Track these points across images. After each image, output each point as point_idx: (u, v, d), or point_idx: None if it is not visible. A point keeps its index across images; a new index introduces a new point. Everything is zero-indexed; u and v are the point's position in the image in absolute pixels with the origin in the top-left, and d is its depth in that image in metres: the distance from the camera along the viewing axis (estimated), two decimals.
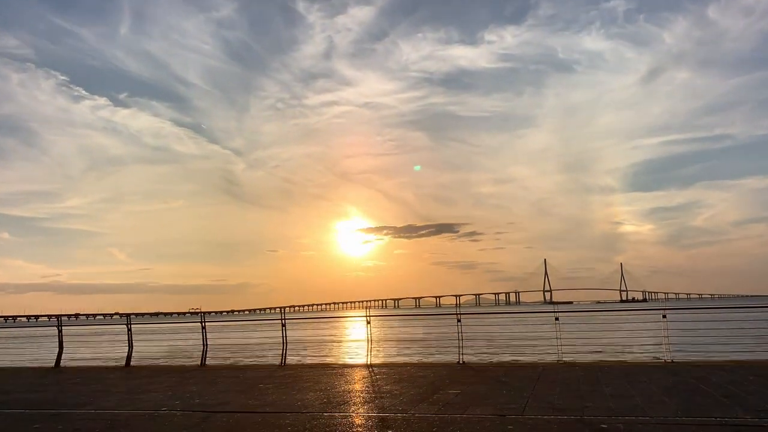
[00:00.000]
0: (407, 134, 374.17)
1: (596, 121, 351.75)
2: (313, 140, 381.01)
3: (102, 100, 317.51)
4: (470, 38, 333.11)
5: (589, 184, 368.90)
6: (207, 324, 15.75)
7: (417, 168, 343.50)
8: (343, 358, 16.50)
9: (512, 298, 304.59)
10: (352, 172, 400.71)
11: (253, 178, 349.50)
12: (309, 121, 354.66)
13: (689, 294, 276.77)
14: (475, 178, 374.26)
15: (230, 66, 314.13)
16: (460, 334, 13.85)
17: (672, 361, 12.45)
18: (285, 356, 14.70)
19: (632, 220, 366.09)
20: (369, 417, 7.85)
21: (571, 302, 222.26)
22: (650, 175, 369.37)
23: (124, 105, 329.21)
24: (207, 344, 15.49)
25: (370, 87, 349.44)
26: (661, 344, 12.93)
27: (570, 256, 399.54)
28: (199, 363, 15.17)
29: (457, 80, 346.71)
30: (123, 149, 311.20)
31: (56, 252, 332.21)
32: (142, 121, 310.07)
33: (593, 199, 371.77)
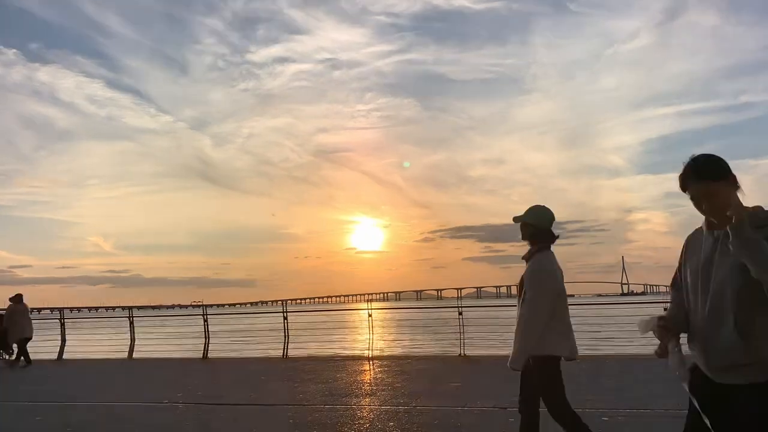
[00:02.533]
0: (382, 100, 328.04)
1: (598, 84, 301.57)
2: (275, 109, 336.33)
3: (11, 53, 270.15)
4: None
5: (595, 165, 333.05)
6: (209, 317, 15.78)
7: (406, 165, 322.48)
8: (345, 350, 16.53)
9: (513, 291, 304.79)
10: (329, 150, 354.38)
11: (225, 159, 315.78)
12: (262, 85, 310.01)
13: None
14: (464, 158, 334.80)
15: (152, 3, 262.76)
16: (461, 327, 13.87)
17: None
18: (287, 349, 14.74)
19: (641, 209, 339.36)
20: (370, 409, 7.87)
21: (572, 295, 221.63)
22: (661, 155, 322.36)
23: (41, 60, 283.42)
24: (209, 337, 15.52)
25: (328, 36, 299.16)
26: None
27: (572, 247, 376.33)
28: (201, 355, 15.21)
29: (429, 26, 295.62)
30: (68, 121, 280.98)
31: (35, 242, 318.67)
32: (69, 82, 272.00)
33: (600, 184, 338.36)
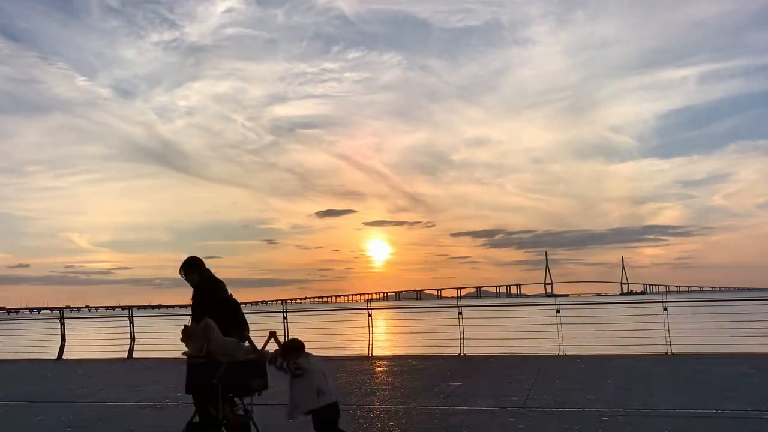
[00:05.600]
0: (354, 55, 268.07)
1: (597, 31, 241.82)
2: (212, 70, 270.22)
3: None
4: None
5: (598, 145, 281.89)
6: None
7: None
8: (344, 350, 16.53)
9: (513, 290, 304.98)
10: (288, 126, 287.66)
11: (179, 140, 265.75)
12: (184, 37, 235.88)
13: (690, 287, 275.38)
14: (450, 138, 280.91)
15: None
16: (461, 327, 13.87)
17: (672, 354, 12.47)
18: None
19: (651, 199, 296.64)
20: (370, 409, 7.87)
21: (567, 295, 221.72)
22: (675, 134, 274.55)
23: None
24: None
25: None
26: (662, 336, 12.96)
27: (571, 244, 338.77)
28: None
29: None
30: None
31: (8, 240, 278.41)
32: None
33: (605, 170, 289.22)
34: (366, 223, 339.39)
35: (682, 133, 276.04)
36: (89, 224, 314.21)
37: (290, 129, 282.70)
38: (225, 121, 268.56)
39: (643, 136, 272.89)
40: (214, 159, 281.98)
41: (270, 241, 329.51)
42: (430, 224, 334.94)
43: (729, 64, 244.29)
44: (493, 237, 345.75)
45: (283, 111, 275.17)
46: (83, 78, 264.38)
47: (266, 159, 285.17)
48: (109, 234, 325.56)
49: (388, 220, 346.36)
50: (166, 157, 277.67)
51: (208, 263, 6.15)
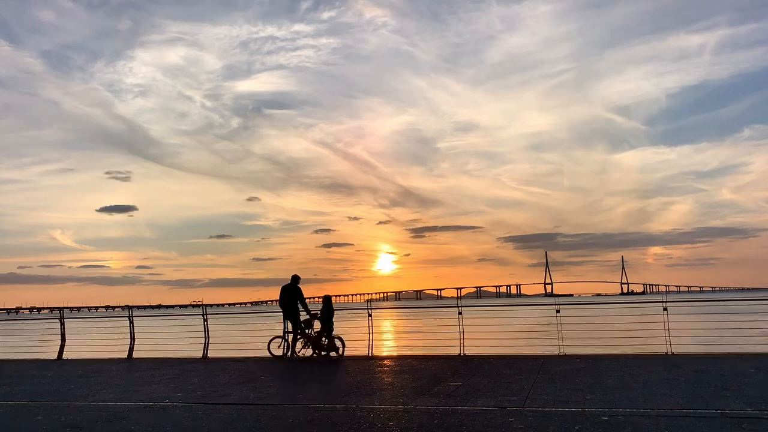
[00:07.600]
0: (328, 14, 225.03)
1: None
2: (152, 35, 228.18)
3: None
4: None
5: (600, 130, 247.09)
6: (209, 317, 15.77)
7: None
8: (346, 350, 16.54)
9: (513, 290, 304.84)
10: (252, 104, 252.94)
11: (141, 125, 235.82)
12: None
13: (690, 287, 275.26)
14: (436, 123, 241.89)
15: None
16: (461, 327, 13.87)
17: (672, 354, 12.47)
18: (286, 348, 14.72)
19: (659, 194, 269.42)
20: (370, 409, 7.87)
21: (570, 295, 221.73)
22: (686, 117, 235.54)
23: None
24: (209, 336, 15.52)
25: None
26: (662, 336, 12.96)
27: (572, 243, 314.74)
28: (201, 355, 15.21)
29: None
30: None
31: None
32: None
33: (609, 159, 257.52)
34: (360, 219, 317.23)
35: (694, 115, 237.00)
36: (69, 221, 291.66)
37: (256, 108, 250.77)
38: (184, 101, 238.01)
39: (651, 118, 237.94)
40: (184, 147, 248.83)
41: (261, 239, 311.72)
42: (425, 222, 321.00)
43: (754, 26, 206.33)
44: (494, 237, 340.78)
45: (245, 86, 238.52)
46: (7, 44, 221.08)
47: (243, 146, 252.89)
48: (93, 231, 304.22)
49: (380, 214, 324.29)
50: (133, 145, 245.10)
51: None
